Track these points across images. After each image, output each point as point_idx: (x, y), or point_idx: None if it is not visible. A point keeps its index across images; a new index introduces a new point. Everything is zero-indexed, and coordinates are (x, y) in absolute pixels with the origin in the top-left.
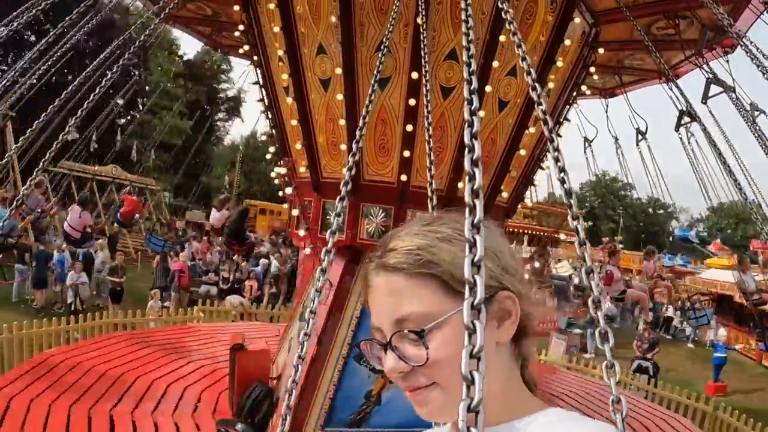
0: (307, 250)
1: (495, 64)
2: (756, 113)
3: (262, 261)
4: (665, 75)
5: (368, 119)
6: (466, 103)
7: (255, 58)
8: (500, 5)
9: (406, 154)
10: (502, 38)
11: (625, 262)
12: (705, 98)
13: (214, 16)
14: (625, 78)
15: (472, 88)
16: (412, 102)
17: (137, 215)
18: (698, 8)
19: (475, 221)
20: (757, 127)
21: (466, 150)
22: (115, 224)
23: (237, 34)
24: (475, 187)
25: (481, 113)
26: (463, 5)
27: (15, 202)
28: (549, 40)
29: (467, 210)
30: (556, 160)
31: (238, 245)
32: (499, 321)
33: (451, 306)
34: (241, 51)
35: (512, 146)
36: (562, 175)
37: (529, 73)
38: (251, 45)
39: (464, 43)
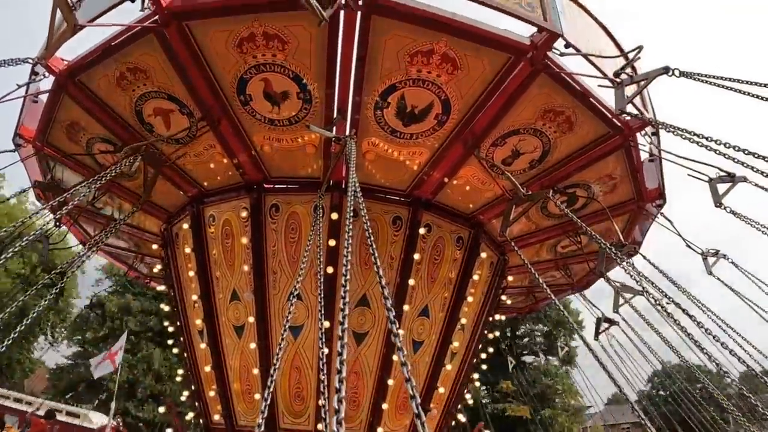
0: None
1: (406, 307)
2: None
3: None
4: (575, 289)
5: (280, 366)
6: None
7: (171, 294)
8: (369, 243)
9: (321, 402)
10: (411, 282)
11: None
12: (616, 307)
13: (136, 248)
14: (539, 294)
15: (341, 359)
16: (326, 350)
17: None
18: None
19: None
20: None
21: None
22: None
23: (156, 270)
24: None
25: (395, 357)
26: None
27: None
28: (458, 276)
29: None
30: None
31: None
32: None
33: None
34: (159, 288)
35: (430, 384)
36: None
37: (396, 335)
38: (167, 285)
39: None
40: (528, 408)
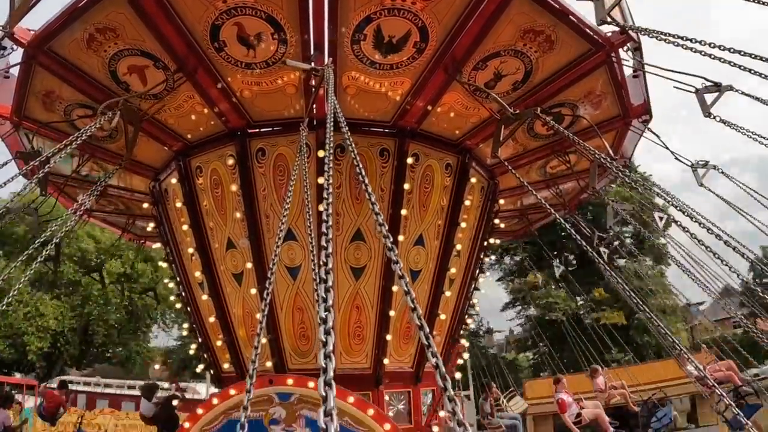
0: None
1: (401, 238)
2: (664, 219)
3: None
4: (567, 208)
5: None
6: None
7: (168, 251)
8: (359, 175)
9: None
10: (404, 212)
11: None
12: (610, 221)
13: (127, 209)
14: (532, 217)
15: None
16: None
17: (62, 410)
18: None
19: None
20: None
21: None
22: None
23: (149, 229)
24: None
25: (395, 288)
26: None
27: None
28: (450, 203)
29: None
30: (433, 355)
31: None
32: None
33: None
34: (155, 246)
35: (432, 312)
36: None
37: (386, 237)
38: (163, 242)
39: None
40: (622, 314)
